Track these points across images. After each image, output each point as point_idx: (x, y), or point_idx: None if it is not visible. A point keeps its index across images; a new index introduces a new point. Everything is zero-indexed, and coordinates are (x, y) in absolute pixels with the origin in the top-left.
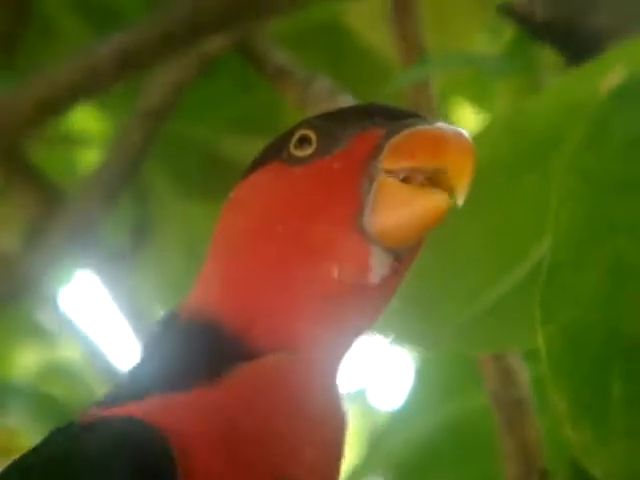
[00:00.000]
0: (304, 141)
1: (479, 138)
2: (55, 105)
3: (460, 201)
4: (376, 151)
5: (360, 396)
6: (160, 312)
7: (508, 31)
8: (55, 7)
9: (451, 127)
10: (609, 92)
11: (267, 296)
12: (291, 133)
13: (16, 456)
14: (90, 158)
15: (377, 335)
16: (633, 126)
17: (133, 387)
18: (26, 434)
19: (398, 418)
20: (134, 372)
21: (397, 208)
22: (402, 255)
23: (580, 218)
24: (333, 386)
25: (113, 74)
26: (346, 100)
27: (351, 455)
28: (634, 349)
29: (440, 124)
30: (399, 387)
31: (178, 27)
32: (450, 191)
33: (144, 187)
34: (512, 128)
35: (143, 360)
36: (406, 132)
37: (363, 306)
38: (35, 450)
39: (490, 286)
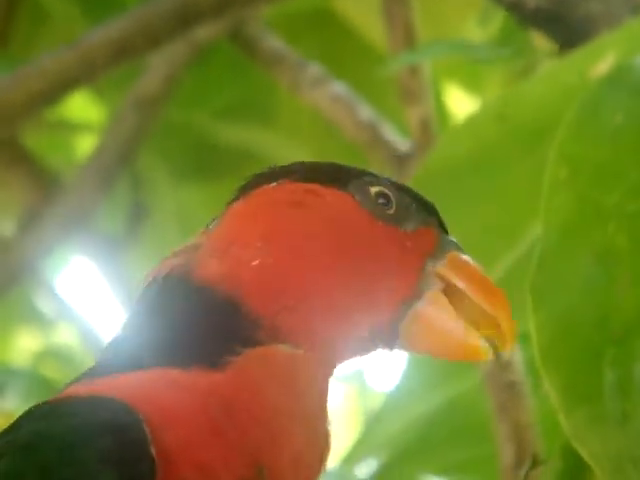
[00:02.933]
0: (385, 197)
1: (469, 124)
2: (49, 95)
3: (507, 354)
4: (434, 250)
5: (357, 377)
6: None
7: (499, 17)
8: None
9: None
10: (598, 80)
11: (303, 298)
12: (360, 174)
13: None
14: (86, 144)
15: None
16: (621, 113)
17: (130, 353)
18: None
19: (393, 400)
20: (133, 331)
21: (437, 334)
22: None
23: (570, 205)
24: (326, 391)
25: (107, 63)
26: (339, 86)
27: (347, 436)
28: (625, 334)
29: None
30: (395, 368)
31: (171, 15)
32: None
33: (139, 173)
34: (502, 115)
35: (145, 316)
36: (464, 257)
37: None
38: (3, 434)
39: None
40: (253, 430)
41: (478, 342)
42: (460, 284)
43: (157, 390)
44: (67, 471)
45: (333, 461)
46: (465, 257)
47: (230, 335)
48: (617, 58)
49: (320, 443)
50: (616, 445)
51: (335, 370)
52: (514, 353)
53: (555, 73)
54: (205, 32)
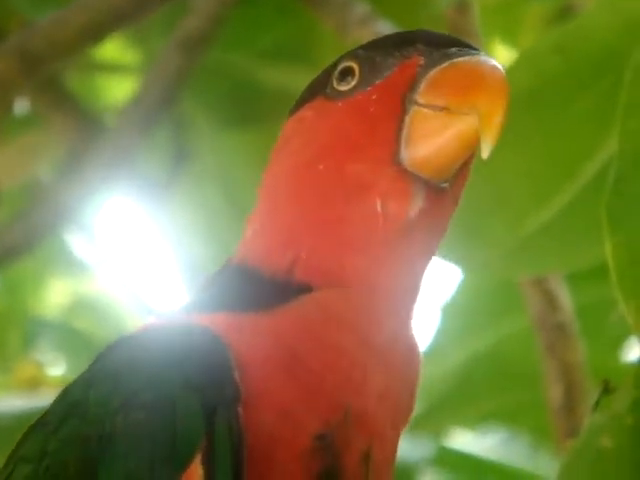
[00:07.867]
0: (347, 74)
1: (525, 59)
2: (98, 31)
3: (486, 150)
4: (414, 82)
5: None
6: (196, 239)
7: None
8: None
9: (489, 63)
10: None
11: (312, 235)
12: (335, 66)
13: (43, 388)
14: (126, 87)
15: None
16: None
17: (194, 307)
18: (53, 367)
19: (430, 349)
20: (191, 301)
21: (429, 136)
22: (445, 186)
23: None
24: (401, 320)
25: None
26: (385, 26)
27: None
28: None
29: (478, 58)
30: (431, 322)
31: None
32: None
33: (181, 117)
34: (562, 47)
35: (199, 296)
36: (443, 66)
37: (412, 239)
38: (101, 357)
39: (537, 209)
40: (325, 372)
41: (462, 125)
42: (438, 102)
43: (231, 326)
44: (151, 395)
45: None
46: (444, 64)
47: (270, 294)
48: None
49: (405, 372)
50: None
51: (411, 298)
52: (563, 294)
53: (615, 3)
54: None
